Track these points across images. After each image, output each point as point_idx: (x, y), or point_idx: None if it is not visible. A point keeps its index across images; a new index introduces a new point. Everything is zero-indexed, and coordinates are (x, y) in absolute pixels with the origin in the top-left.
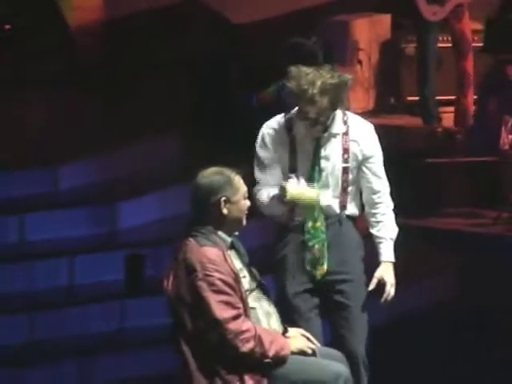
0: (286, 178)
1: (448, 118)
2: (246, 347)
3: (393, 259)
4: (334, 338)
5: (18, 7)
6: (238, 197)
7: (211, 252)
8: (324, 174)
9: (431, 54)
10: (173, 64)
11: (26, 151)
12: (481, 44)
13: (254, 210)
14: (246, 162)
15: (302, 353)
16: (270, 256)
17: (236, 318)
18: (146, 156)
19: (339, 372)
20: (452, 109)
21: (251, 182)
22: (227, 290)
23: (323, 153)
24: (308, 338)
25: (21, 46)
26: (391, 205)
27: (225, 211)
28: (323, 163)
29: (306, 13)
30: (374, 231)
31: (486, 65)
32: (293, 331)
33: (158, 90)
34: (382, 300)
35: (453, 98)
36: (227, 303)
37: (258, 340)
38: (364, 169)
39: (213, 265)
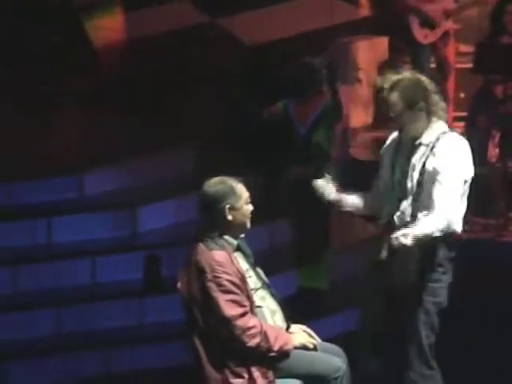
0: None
1: None
2: (253, 342)
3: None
4: None
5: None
6: (240, 203)
7: (219, 255)
8: (408, 181)
9: (424, 74)
10: (191, 81)
11: (55, 161)
12: (470, 65)
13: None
14: (255, 170)
15: (304, 347)
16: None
17: (243, 315)
18: (165, 166)
19: (338, 365)
20: None
21: (256, 187)
22: (234, 289)
23: (412, 160)
24: (310, 334)
25: (53, 62)
26: (436, 217)
27: (230, 217)
28: (409, 170)
29: (312, 35)
30: None
31: (476, 85)
32: (295, 327)
33: (177, 105)
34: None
35: None
36: (235, 302)
37: (264, 335)
38: (432, 181)
39: (221, 267)
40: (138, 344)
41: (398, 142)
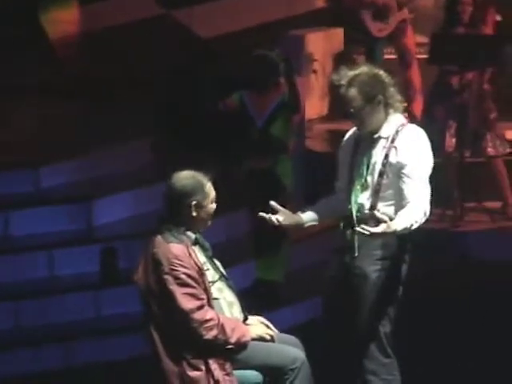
0: (347, 172)
1: None
2: (210, 335)
3: (394, 227)
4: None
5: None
6: (207, 201)
7: (176, 248)
8: (368, 173)
9: (379, 65)
10: (148, 74)
11: (11, 154)
12: (426, 56)
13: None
14: (212, 161)
15: (262, 339)
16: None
17: (200, 308)
18: (121, 158)
19: (296, 356)
20: None
21: (219, 184)
22: (191, 282)
23: (372, 153)
24: (267, 326)
25: (7, 55)
26: (417, 210)
27: (194, 214)
28: (369, 163)
29: (267, 27)
30: None
31: (432, 75)
32: (253, 319)
33: (134, 97)
34: (361, 227)
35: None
36: (191, 295)
37: (221, 328)
38: (400, 176)
39: (178, 260)
40: (96, 336)
41: (356, 139)
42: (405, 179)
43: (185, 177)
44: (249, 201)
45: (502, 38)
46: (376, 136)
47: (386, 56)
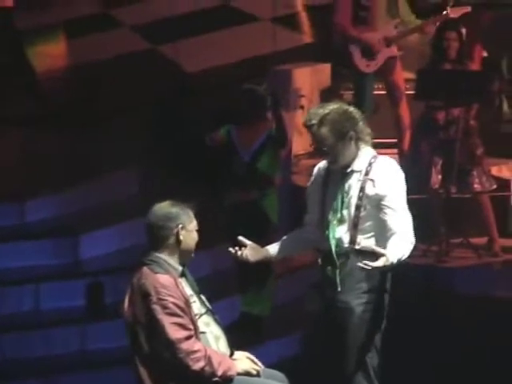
0: (320, 206)
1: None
2: (197, 366)
3: (391, 259)
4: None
5: None
6: (192, 226)
7: (164, 278)
8: (344, 207)
9: (366, 101)
10: (134, 106)
11: None
12: (412, 92)
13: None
14: (200, 196)
15: (247, 374)
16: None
17: (188, 338)
18: (106, 192)
19: None
20: (390, 151)
21: (200, 217)
22: (179, 312)
23: (345, 187)
24: (253, 361)
25: None
26: (405, 240)
27: (181, 237)
28: (344, 197)
29: (254, 62)
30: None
31: (418, 110)
32: (239, 354)
33: (119, 130)
34: (363, 262)
35: (389, 140)
36: (179, 325)
37: (208, 360)
38: (380, 207)
39: (166, 290)
40: (80, 371)
41: (325, 173)
42: (386, 210)
43: (166, 205)
44: (234, 234)
45: (487, 74)
46: (349, 170)
47: (376, 92)
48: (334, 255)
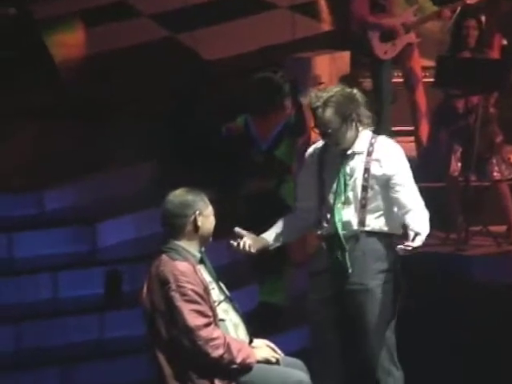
0: (318, 191)
1: (405, 146)
2: (216, 353)
3: (424, 234)
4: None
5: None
6: (208, 211)
7: (182, 265)
8: (348, 189)
9: (385, 89)
10: (151, 96)
11: (15, 176)
12: (432, 79)
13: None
14: (216, 187)
15: (267, 361)
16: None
17: (207, 325)
18: (124, 181)
19: (300, 379)
20: (406, 138)
21: (218, 207)
22: (198, 299)
23: (347, 169)
24: (272, 349)
25: (9, 77)
26: (424, 214)
27: (199, 224)
28: (347, 180)
29: (272, 50)
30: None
31: (438, 98)
32: (258, 342)
33: (138, 120)
34: (400, 246)
35: (408, 128)
36: (198, 312)
37: (227, 347)
38: (390, 186)
39: (184, 277)
40: (98, 360)
41: (318, 159)
42: (397, 188)
43: (181, 193)
44: (253, 223)
45: (506, 62)
46: (349, 152)
47: (394, 79)
48: (342, 238)
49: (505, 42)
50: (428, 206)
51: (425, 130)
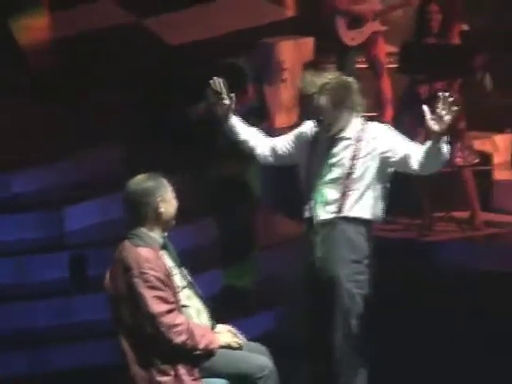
0: (304, 169)
1: None
2: (179, 339)
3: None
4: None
5: None
6: (169, 195)
7: (145, 251)
8: (333, 173)
9: (349, 75)
10: (118, 80)
11: None
12: (396, 65)
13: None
14: (184, 170)
15: (230, 347)
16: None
17: (169, 312)
18: (91, 165)
19: (263, 365)
20: None
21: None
22: (161, 286)
23: (334, 154)
24: (235, 334)
25: None
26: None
27: (162, 209)
28: (333, 163)
29: (237, 35)
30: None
31: (403, 84)
32: (221, 327)
33: (103, 104)
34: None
35: (372, 114)
36: (161, 298)
37: (190, 333)
38: (389, 158)
39: (147, 263)
40: (64, 343)
41: (313, 139)
42: (397, 151)
43: (142, 179)
44: (217, 207)
45: (470, 48)
46: (339, 136)
47: (358, 65)
48: (319, 220)
49: (465, 28)
50: (393, 191)
51: (389, 115)
